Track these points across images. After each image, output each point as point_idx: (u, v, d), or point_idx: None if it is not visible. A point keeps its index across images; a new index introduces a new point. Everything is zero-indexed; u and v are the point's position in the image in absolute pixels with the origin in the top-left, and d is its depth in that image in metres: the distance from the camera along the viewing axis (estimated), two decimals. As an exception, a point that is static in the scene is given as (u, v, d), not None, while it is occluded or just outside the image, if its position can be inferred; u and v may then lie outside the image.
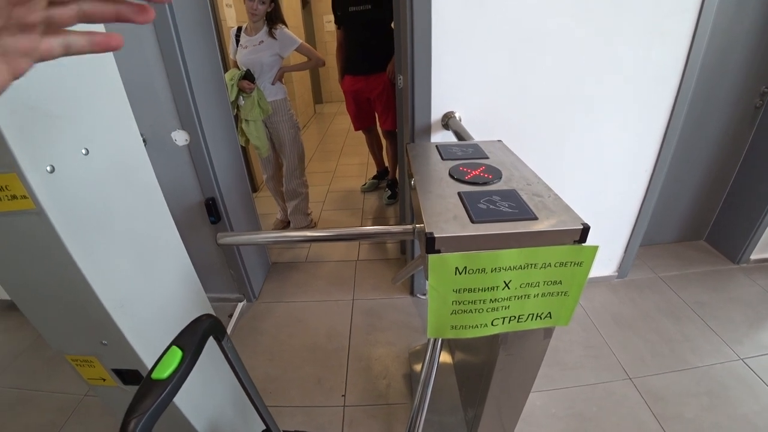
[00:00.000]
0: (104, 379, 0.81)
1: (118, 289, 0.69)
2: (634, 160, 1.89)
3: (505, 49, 1.50)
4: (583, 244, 0.74)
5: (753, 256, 2.37)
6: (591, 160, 1.82)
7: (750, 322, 1.96)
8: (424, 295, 2.11)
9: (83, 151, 0.63)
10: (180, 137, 1.63)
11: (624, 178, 1.92)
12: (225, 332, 0.59)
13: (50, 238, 0.59)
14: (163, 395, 0.43)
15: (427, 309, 0.77)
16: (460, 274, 0.72)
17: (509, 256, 0.71)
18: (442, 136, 1.64)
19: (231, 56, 2.45)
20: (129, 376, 0.79)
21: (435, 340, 0.89)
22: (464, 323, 0.80)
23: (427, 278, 0.73)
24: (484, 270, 0.72)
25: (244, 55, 2.30)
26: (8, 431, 1.52)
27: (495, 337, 0.91)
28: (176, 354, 0.46)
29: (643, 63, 1.61)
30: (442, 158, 1.05)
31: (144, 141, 1.21)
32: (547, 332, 0.90)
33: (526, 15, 1.45)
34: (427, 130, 1.62)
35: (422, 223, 0.97)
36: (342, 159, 4.45)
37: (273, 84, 2.37)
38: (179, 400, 0.83)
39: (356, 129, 3.04)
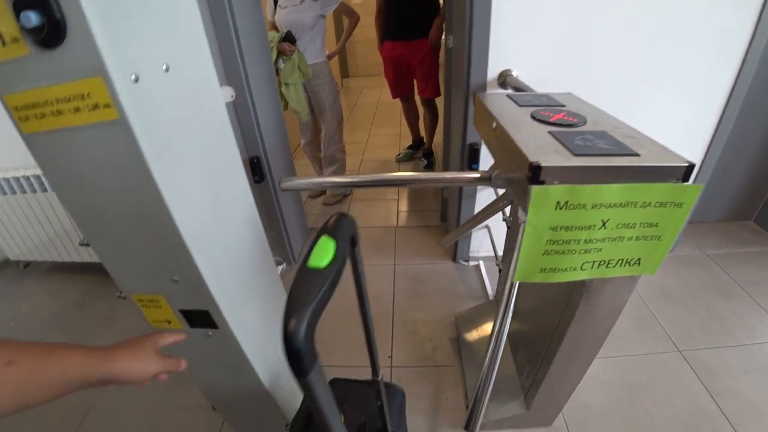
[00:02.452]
0: (169, 322, 0.78)
1: (195, 220, 0.65)
2: (691, 132, 1.81)
3: (566, 8, 1.44)
4: (686, 183, 0.71)
5: (805, 239, 2.28)
6: (645, 129, 1.75)
7: (803, 303, 1.89)
8: (467, 261, 2.10)
9: (164, 67, 0.58)
10: (225, 93, 1.61)
11: (677, 145, 1.84)
12: (358, 239, 0.53)
13: (132, 155, 0.54)
14: (326, 286, 0.39)
15: (519, 249, 0.75)
16: (561, 209, 0.69)
17: (612, 191, 0.68)
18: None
19: (268, 17, 2.31)
20: (198, 317, 0.76)
21: (510, 290, 0.87)
22: (555, 265, 0.77)
23: (525, 213, 0.71)
24: (584, 206, 0.69)
25: (283, 15, 2.20)
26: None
27: (575, 286, 0.88)
28: (329, 244, 0.43)
29: (707, 30, 1.52)
30: (518, 105, 1.01)
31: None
32: (632, 281, 0.87)
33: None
34: (483, 88, 1.57)
35: (501, 166, 0.94)
36: (374, 130, 4.39)
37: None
38: (244, 342, 0.81)
39: (394, 97, 2.97)
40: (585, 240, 0.74)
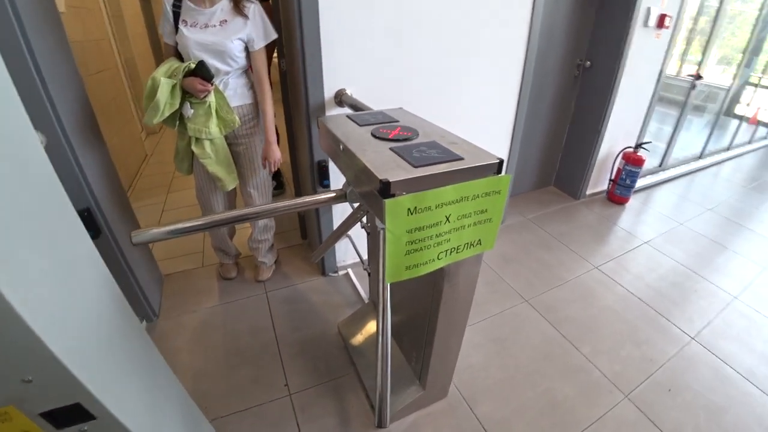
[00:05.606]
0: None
1: (42, 303, 0.54)
2: (498, 125, 2.22)
3: (386, 28, 1.62)
4: (500, 175, 0.89)
5: (588, 192, 3.01)
6: (465, 127, 2.09)
7: (595, 240, 2.50)
8: (336, 272, 2.16)
9: None
10: (32, 141, 1.36)
11: (492, 140, 2.25)
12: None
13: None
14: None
15: (384, 255, 0.84)
16: (412, 214, 0.80)
17: (448, 192, 0.82)
18: (336, 113, 1.69)
19: (164, 38, 1.56)
20: (65, 414, 0.62)
21: (383, 291, 0.96)
22: (417, 261, 0.88)
23: (382, 223, 0.79)
24: (430, 208, 0.82)
25: (195, 37, 1.45)
26: None
27: (438, 274, 1.02)
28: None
29: (498, 43, 1.92)
30: (358, 125, 1.11)
31: None
32: (478, 258, 1.04)
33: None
34: (322, 108, 1.66)
35: (352, 184, 1.02)
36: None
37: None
38: (132, 423, 0.72)
39: None
40: (436, 235, 0.87)
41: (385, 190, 0.76)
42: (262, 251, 2.06)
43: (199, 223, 0.90)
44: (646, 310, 1.94)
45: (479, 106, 2.06)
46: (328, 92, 1.65)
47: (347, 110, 1.64)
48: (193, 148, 1.56)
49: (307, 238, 2.42)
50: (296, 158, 2.22)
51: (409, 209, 0.79)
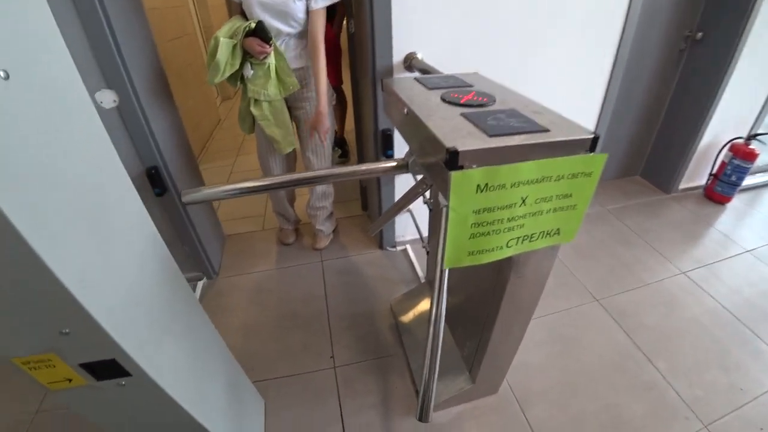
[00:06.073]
0: (70, 380, 0.64)
1: (74, 258, 0.53)
2: (585, 100, 1.97)
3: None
4: (593, 154, 0.74)
5: (681, 186, 2.63)
6: (546, 99, 1.86)
7: (686, 241, 2.18)
8: (394, 247, 2.09)
9: (1, 74, 0.46)
10: (107, 98, 1.40)
11: (576, 117, 2.00)
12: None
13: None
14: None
15: (445, 236, 0.73)
16: (482, 191, 0.68)
17: (528, 168, 0.69)
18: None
19: None
20: (103, 368, 0.63)
21: (441, 275, 0.85)
22: (482, 247, 0.77)
23: (446, 199, 0.69)
24: (504, 186, 0.69)
25: None
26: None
27: (504, 262, 0.90)
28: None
29: (592, 4, 1.66)
30: (427, 88, 0.99)
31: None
32: (553, 251, 0.90)
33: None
34: (390, 73, 1.55)
35: (416, 153, 0.92)
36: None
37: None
38: (166, 383, 0.71)
39: None
40: (508, 218, 0.75)
41: (453, 160, 0.65)
42: (320, 219, 2.04)
43: (249, 185, 0.85)
44: (740, 329, 1.65)
45: (564, 77, 1.82)
46: (397, 55, 1.53)
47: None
48: (252, 109, 1.54)
49: (368, 209, 2.37)
50: (361, 126, 2.15)
51: (478, 185, 0.67)
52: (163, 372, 0.70)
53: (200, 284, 1.90)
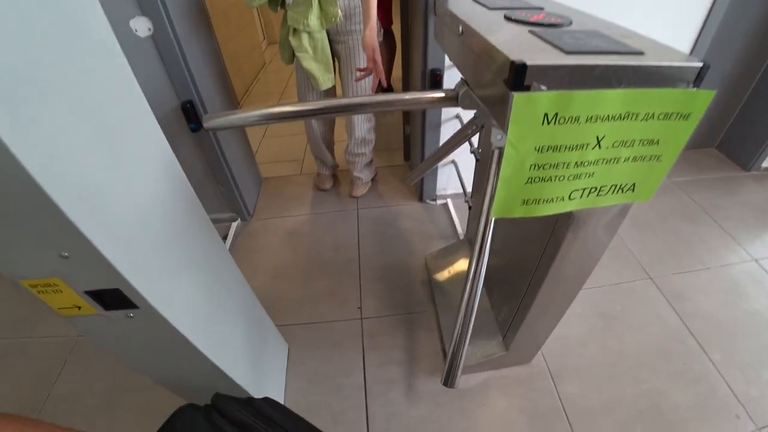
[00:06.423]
0: (79, 307, 0.61)
1: (69, 173, 0.47)
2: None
3: None
4: (696, 89, 0.58)
5: (765, 164, 2.30)
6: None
7: (762, 226, 1.92)
8: (434, 200, 1.99)
9: None
10: (141, 26, 1.33)
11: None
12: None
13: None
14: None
15: (495, 179, 0.62)
16: (549, 123, 0.55)
17: (612, 98, 0.54)
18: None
19: None
20: (110, 298, 0.59)
21: (485, 228, 0.74)
22: (539, 196, 0.65)
23: (503, 134, 0.57)
24: (577, 119, 0.56)
25: None
26: (2, 384, 1.36)
27: (562, 219, 0.77)
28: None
29: None
30: (488, 8, 0.84)
31: None
32: (623, 210, 0.77)
33: None
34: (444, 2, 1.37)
35: (469, 82, 0.79)
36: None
37: None
38: (176, 319, 0.66)
39: None
40: (576, 163, 0.61)
41: (518, 78, 0.52)
42: (359, 166, 1.95)
43: (277, 110, 0.76)
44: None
45: (653, 18, 1.57)
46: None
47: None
48: (290, 39, 1.42)
49: (410, 159, 2.26)
50: (408, 73, 1.99)
51: (546, 115, 0.54)
52: (175, 308, 0.66)
53: (234, 225, 1.89)
